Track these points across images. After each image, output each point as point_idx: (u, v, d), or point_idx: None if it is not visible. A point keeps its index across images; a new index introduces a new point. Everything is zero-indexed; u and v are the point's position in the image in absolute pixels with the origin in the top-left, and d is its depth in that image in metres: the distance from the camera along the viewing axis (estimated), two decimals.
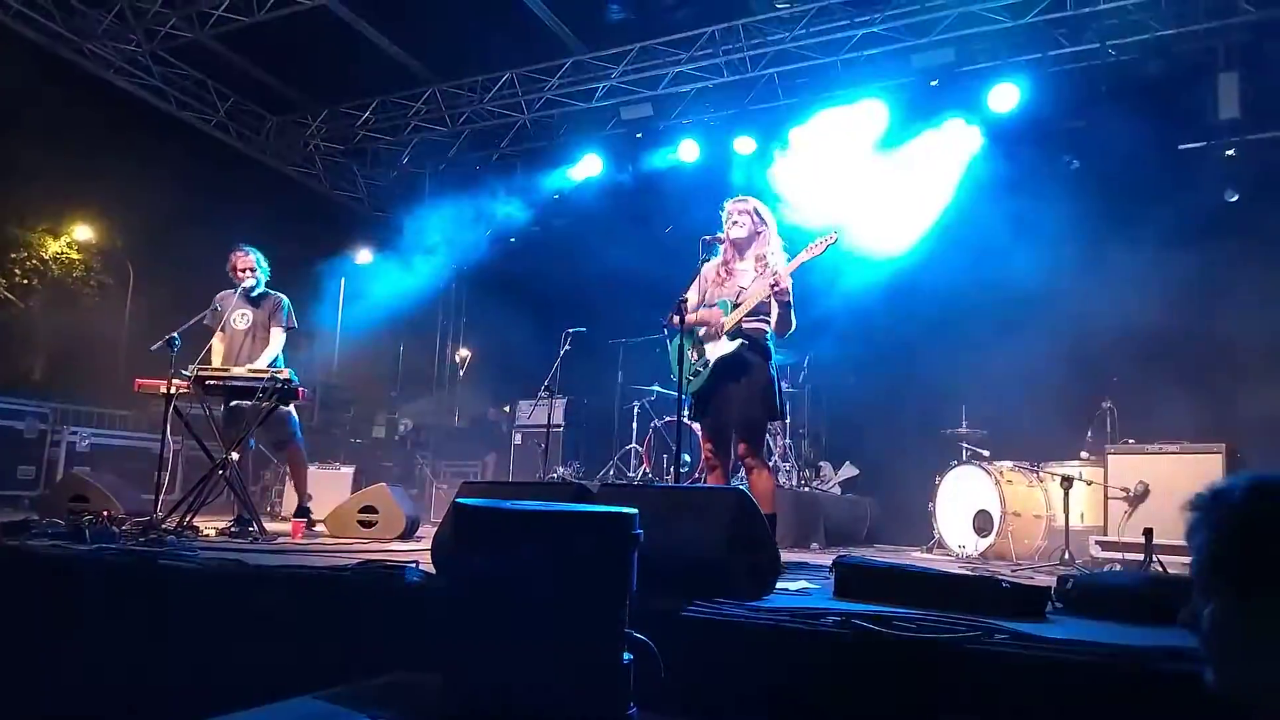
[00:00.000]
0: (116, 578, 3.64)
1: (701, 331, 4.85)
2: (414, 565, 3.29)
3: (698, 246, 4.99)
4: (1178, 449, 5.85)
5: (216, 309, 6.32)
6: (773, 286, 4.60)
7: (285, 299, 6.44)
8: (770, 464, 7.93)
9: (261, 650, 3.02)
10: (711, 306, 4.84)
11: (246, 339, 6.27)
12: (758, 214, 4.91)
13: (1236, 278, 7.08)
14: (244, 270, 6.26)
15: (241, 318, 6.31)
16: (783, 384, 8.36)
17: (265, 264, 6.41)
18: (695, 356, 4.85)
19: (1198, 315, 6.91)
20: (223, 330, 6.29)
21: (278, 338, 6.27)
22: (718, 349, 4.74)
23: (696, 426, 7.39)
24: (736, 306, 4.76)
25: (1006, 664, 2.15)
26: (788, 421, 8.32)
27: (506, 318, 11.17)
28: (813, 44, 8.99)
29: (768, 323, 4.79)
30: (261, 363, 6.03)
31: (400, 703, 2.30)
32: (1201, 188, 7.68)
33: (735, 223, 4.87)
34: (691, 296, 4.93)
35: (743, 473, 4.97)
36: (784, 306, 4.69)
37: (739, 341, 4.71)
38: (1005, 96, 8.33)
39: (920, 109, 8.81)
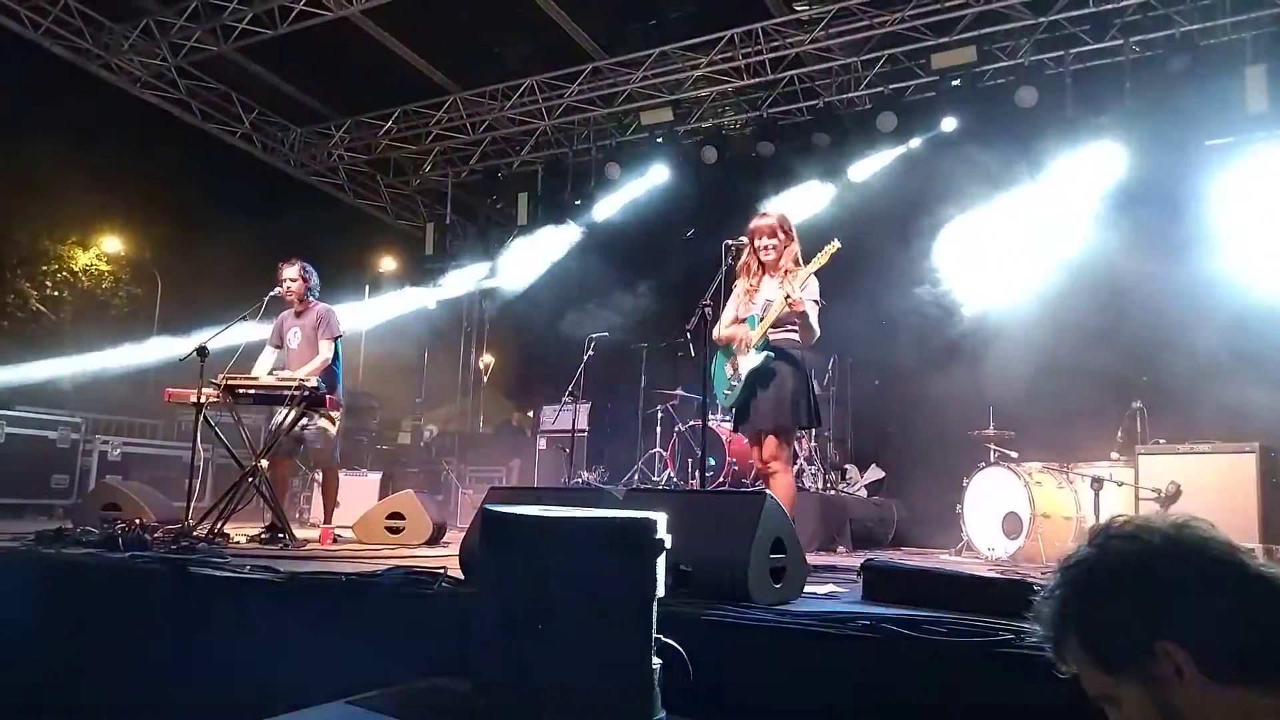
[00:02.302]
0: (150, 585, 3.69)
1: (735, 347, 5.04)
2: (442, 571, 3.31)
3: (719, 251, 5.06)
4: (1210, 448, 5.77)
5: (276, 328, 6.41)
6: (786, 297, 4.75)
7: (329, 308, 6.47)
8: (795, 467, 7.93)
9: (293, 656, 3.04)
10: (742, 322, 5.03)
11: (296, 355, 6.32)
12: (782, 231, 5.02)
13: (1267, 274, 6.97)
14: (285, 281, 6.30)
15: (294, 335, 6.38)
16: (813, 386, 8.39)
17: (312, 277, 6.42)
18: (731, 371, 5.05)
19: (1228, 313, 6.81)
20: (280, 348, 6.39)
21: (325, 349, 6.26)
22: (748, 362, 4.91)
23: (724, 430, 7.47)
24: (762, 320, 4.89)
25: (1039, 667, 2.12)
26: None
27: (529, 324, 11.21)
28: (832, 45, 8.98)
29: (796, 332, 4.94)
30: (305, 371, 6.02)
31: (431, 707, 2.31)
32: (1230, 183, 7.57)
33: (764, 246, 4.98)
34: (727, 313, 5.13)
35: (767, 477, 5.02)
36: (803, 318, 4.83)
37: (765, 354, 4.87)
38: (1026, 94, 8.25)
39: (935, 107, 8.76)
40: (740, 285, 5.15)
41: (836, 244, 4.91)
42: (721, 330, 5.10)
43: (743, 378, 4.93)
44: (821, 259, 4.90)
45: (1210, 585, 1.17)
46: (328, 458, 6.35)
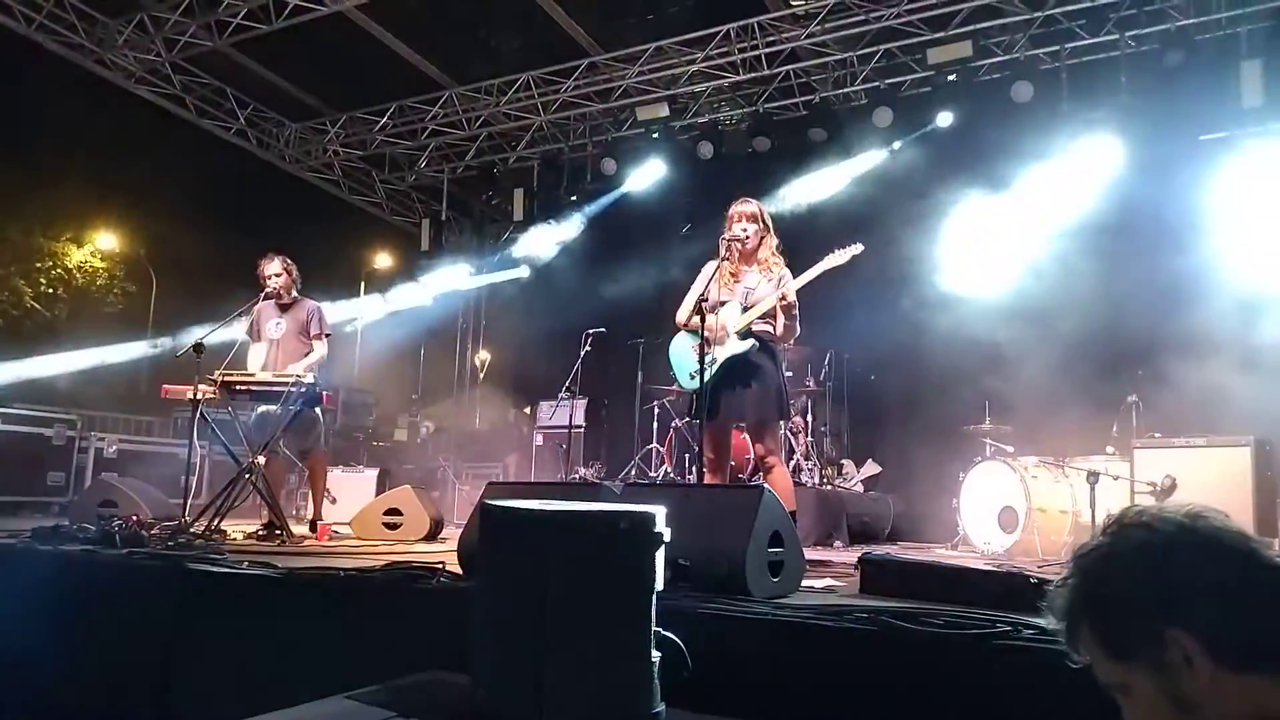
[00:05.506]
0: (147, 582, 3.69)
1: (706, 333, 4.74)
2: (440, 566, 3.31)
3: (716, 246, 5.00)
4: (1205, 442, 5.78)
5: (253, 320, 6.37)
6: (780, 299, 4.63)
7: (317, 305, 6.46)
8: (792, 462, 7.94)
9: (291, 651, 3.05)
10: (716, 308, 4.78)
11: (280, 347, 6.27)
12: (762, 217, 4.93)
13: (1262, 268, 6.98)
14: (270, 277, 6.29)
15: (275, 326, 6.33)
16: (809, 381, 8.39)
17: (294, 270, 6.43)
18: (697, 355, 4.73)
19: (1222, 307, 6.82)
20: (259, 340, 6.34)
21: (321, 346, 6.29)
22: (727, 349, 4.71)
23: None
24: (746, 309, 4.76)
25: (1035, 659, 2.14)
26: (810, 420, 8.31)
27: (526, 320, 11.21)
28: (828, 40, 8.98)
29: (774, 325, 4.82)
30: (303, 366, 6.01)
31: (429, 702, 2.32)
32: (1224, 177, 7.59)
33: (744, 228, 4.86)
34: (691, 296, 4.92)
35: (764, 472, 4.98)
36: (790, 317, 4.72)
37: (751, 342, 4.71)
38: (1022, 89, 8.25)
39: (931, 102, 8.77)
40: (710, 269, 4.91)
41: (859, 247, 4.76)
42: (684, 314, 4.89)
43: (715, 363, 4.64)
44: (840, 258, 4.76)
45: (1221, 574, 1.17)
46: (313, 440, 6.30)
